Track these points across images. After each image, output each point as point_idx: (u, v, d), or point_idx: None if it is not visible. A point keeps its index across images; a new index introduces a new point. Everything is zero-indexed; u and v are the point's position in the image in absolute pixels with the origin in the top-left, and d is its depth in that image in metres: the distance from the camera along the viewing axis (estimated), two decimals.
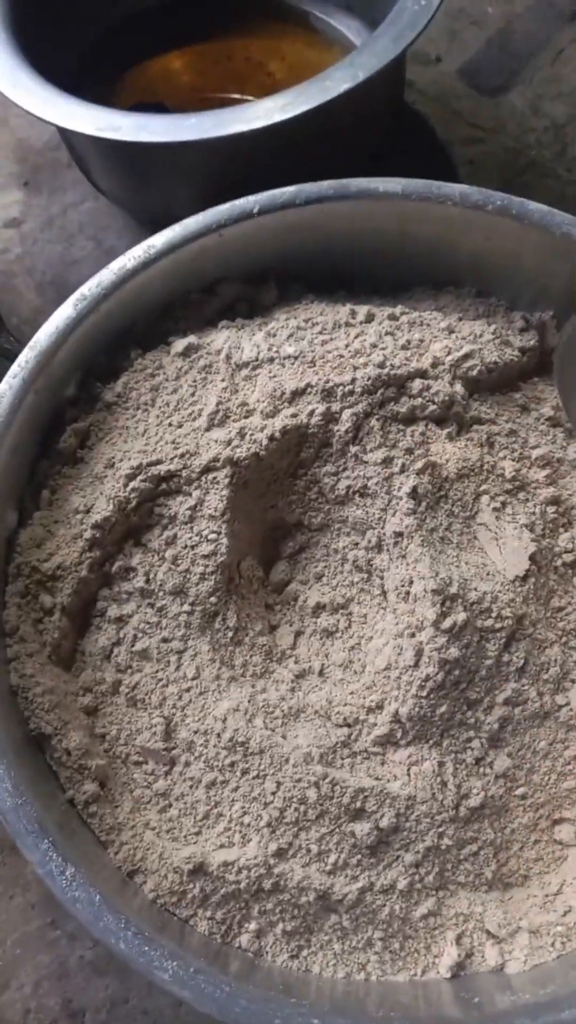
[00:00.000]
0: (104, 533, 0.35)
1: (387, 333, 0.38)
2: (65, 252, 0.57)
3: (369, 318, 0.39)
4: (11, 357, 0.37)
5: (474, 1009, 0.29)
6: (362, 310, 0.39)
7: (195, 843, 0.32)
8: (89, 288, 0.38)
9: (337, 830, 0.31)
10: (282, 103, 0.44)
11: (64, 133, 0.50)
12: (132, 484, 0.35)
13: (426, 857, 0.31)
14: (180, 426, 0.37)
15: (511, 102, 0.61)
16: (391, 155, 0.56)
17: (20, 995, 0.38)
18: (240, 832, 0.32)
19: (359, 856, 0.31)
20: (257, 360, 0.37)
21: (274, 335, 0.38)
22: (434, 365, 0.37)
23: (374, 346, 0.37)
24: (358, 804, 0.31)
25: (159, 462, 0.36)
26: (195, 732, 0.33)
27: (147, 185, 0.51)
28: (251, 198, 0.39)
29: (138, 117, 0.46)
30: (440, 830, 0.31)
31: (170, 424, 0.37)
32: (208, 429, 0.36)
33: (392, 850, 0.31)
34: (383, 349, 0.37)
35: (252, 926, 0.31)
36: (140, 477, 0.35)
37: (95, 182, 0.56)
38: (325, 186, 0.39)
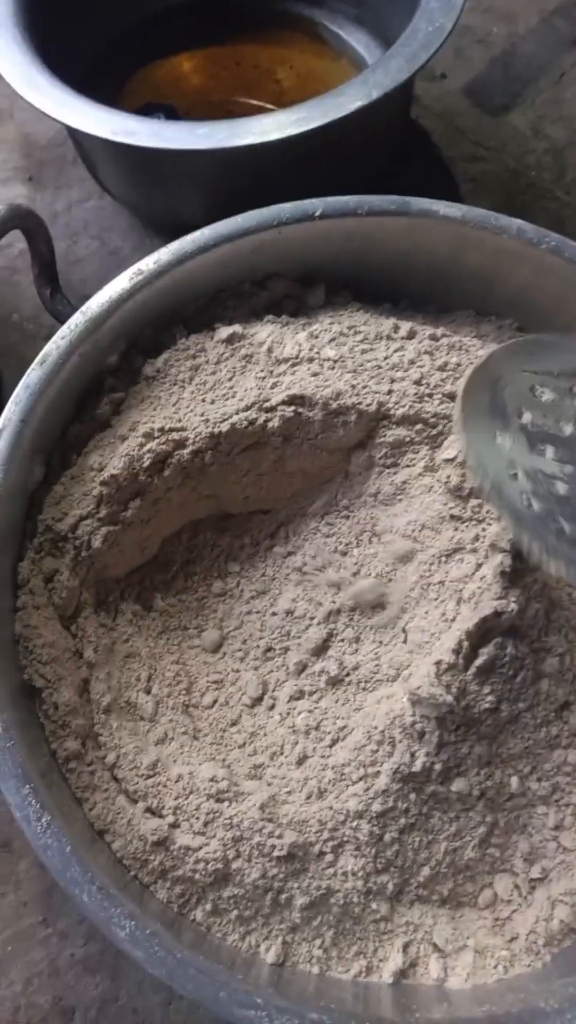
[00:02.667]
0: (113, 490, 0.36)
1: (426, 352, 0.39)
2: (69, 250, 0.57)
3: (411, 335, 0.40)
4: (63, 320, 0.38)
5: (410, 1016, 0.30)
6: (405, 326, 0.40)
7: (163, 818, 0.33)
8: (146, 264, 0.39)
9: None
10: (295, 117, 0.45)
11: (73, 132, 0.50)
12: (149, 445, 0.36)
13: (385, 869, 0.32)
14: (212, 403, 0.38)
15: (513, 122, 0.62)
16: (396, 171, 0.56)
17: (10, 992, 0.39)
18: (204, 823, 0.32)
19: (318, 863, 0.32)
20: (297, 357, 0.38)
21: (316, 336, 0.39)
22: None
23: (412, 362, 0.38)
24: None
25: (182, 429, 0.37)
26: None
27: (156, 189, 0.51)
28: (316, 201, 0.40)
29: (152, 123, 0.46)
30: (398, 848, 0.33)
31: (203, 400, 0.38)
32: (237, 412, 0.37)
33: (347, 857, 0.32)
34: (420, 367, 0.38)
35: (208, 907, 0.32)
36: (159, 439, 0.36)
37: (102, 181, 0.56)
38: (388, 200, 0.40)
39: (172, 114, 0.56)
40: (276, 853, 0.31)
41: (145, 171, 0.50)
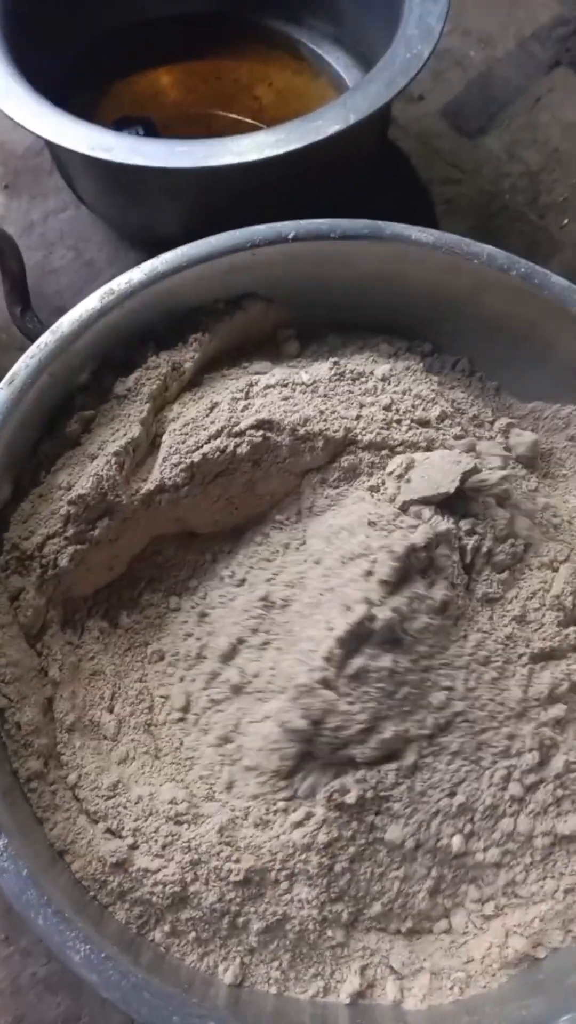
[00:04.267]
0: (80, 509, 0.36)
1: (396, 376, 0.39)
2: (44, 261, 0.56)
3: (384, 359, 0.41)
4: (33, 338, 0.38)
5: None
6: (378, 354, 0.41)
7: (123, 839, 0.33)
8: (118, 284, 0.39)
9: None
10: (274, 139, 0.45)
11: (50, 143, 0.49)
12: (117, 460, 0.36)
13: (339, 898, 0.33)
14: (188, 421, 0.38)
15: (488, 145, 0.63)
16: (373, 191, 0.57)
17: None
18: (163, 845, 0.33)
19: (274, 889, 0.32)
20: (272, 381, 0.39)
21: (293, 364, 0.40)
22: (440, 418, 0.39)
23: (381, 388, 0.39)
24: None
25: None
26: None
27: (133, 204, 0.51)
28: (290, 224, 0.40)
29: (130, 139, 0.46)
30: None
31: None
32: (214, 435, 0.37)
33: (301, 886, 0.32)
34: (393, 391, 0.39)
35: (166, 928, 0.32)
36: (128, 456, 0.36)
37: (78, 193, 0.56)
38: (361, 224, 0.40)
39: (150, 127, 0.57)
40: (232, 878, 0.31)
41: (122, 186, 0.50)
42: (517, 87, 0.65)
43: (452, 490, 0.35)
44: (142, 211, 0.52)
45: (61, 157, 0.53)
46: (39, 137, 0.46)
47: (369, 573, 0.34)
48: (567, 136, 0.63)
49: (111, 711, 0.36)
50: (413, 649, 0.33)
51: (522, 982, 0.32)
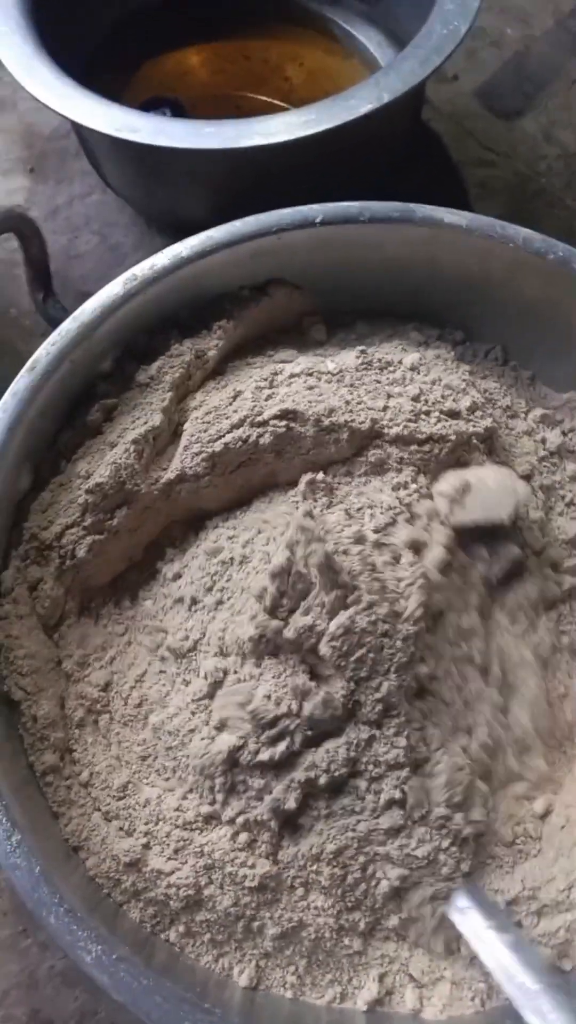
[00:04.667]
0: (98, 498, 0.35)
1: (425, 365, 0.38)
2: (70, 245, 0.56)
3: (414, 347, 0.40)
4: (55, 324, 0.38)
5: None
6: (408, 342, 0.40)
7: (136, 839, 0.32)
8: (141, 269, 0.38)
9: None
10: (304, 119, 0.44)
11: (76, 125, 0.49)
12: (136, 448, 0.36)
13: (356, 907, 0.32)
14: (211, 410, 0.37)
15: (524, 127, 0.61)
16: (405, 173, 0.56)
17: None
18: (175, 849, 0.32)
19: (289, 895, 0.32)
20: (298, 369, 0.38)
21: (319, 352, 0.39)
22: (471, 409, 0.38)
23: (411, 377, 0.38)
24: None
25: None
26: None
27: (159, 187, 0.51)
28: (316, 207, 0.39)
29: (156, 120, 0.45)
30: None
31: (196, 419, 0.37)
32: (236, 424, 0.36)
33: (317, 894, 0.32)
34: (422, 381, 0.37)
35: (181, 928, 0.32)
36: (148, 445, 0.36)
37: (104, 176, 0.55)
38: (391, 207, 0.39)
39: (178, 108, 0.56)
40: (248, 883, 0.31)
41: (148, 168, 0.50)
42: (555, 67, 0.63)
43: (508, 522, 0.35)
44: (168, 194, 0.51)
45: (87, 139, 0.53)
46: (65, 118, 0.46)
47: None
48: None
49: (107, 707, 0.35)
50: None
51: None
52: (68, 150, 0.59)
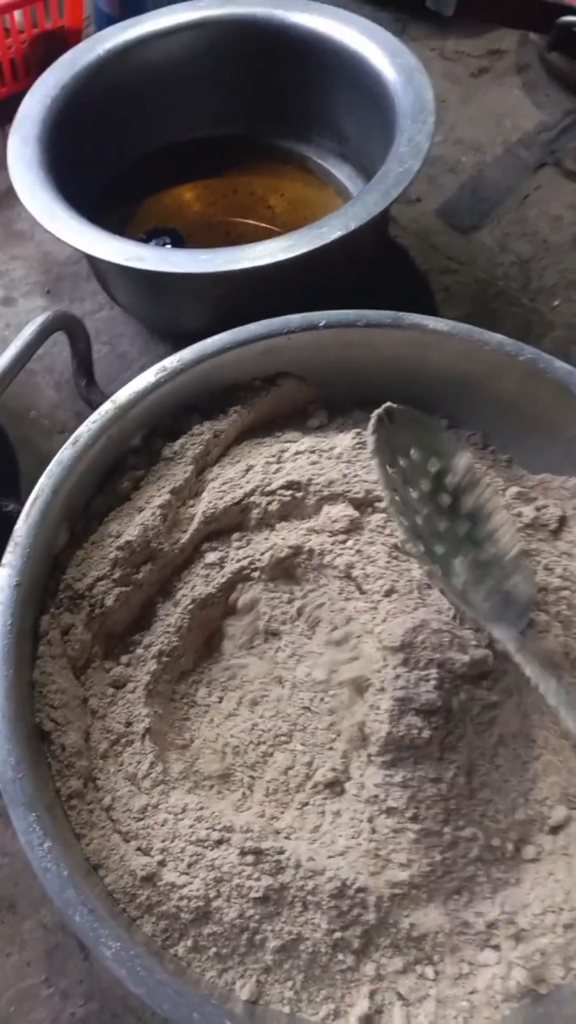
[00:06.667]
0: (127, 554, 0.40)
1: None
2: None
3: None
4: (94, 407, 0.44)
5: None
6: None
7: (152, 857, 0.35)
8: (170, 362, 0.45)
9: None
10: (284, 245, 0.51)
11: (88, 255, 0.56)
12: (162, 512, 0.42)
13: (350, 925, 0.34)
14: (227, 481, 0.43)
15: (482, 239, 0.68)
16: (379, 281, 0.63)
17: None
18: (188, 864, 0.35)
19: (289, 910, 0.34)
20: (302, 448, 0.44)
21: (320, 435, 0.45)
22: None
23: None
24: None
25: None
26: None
27: (162, 304, 0.58)
28: (320, 313, 0.45)
29: (159, 250, 0.53)
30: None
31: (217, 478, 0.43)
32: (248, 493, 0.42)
33: (314, 911, 0.34)
34: None
35: (189, 943, 0.34)
36: (172, 509, 0.42)
37: (112, 296, 0.62)
38: (383, 315, 0.45)
39: (176, 237, 0.64)
40: (252, 895, 0.34)
41: (153, 289, 0.57)
42: (506, 187, 0.71)
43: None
44: (170, 310, 0.58)
45: (98, 266, 0.60)
46: (83, 252, 0.53)
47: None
48: (554, 228, 0.68)
49: (131, 743, 0.39)
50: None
51: (526, 1015, 0.33)
52: (80, 274, 0.67)
